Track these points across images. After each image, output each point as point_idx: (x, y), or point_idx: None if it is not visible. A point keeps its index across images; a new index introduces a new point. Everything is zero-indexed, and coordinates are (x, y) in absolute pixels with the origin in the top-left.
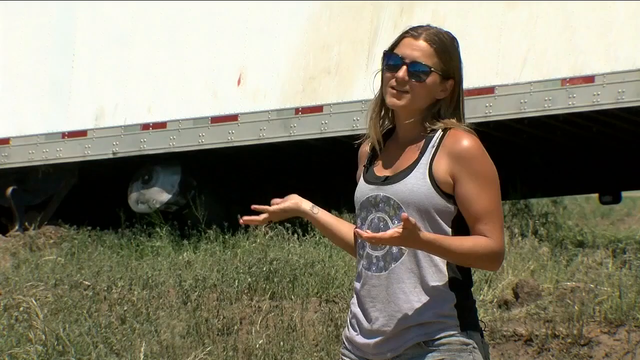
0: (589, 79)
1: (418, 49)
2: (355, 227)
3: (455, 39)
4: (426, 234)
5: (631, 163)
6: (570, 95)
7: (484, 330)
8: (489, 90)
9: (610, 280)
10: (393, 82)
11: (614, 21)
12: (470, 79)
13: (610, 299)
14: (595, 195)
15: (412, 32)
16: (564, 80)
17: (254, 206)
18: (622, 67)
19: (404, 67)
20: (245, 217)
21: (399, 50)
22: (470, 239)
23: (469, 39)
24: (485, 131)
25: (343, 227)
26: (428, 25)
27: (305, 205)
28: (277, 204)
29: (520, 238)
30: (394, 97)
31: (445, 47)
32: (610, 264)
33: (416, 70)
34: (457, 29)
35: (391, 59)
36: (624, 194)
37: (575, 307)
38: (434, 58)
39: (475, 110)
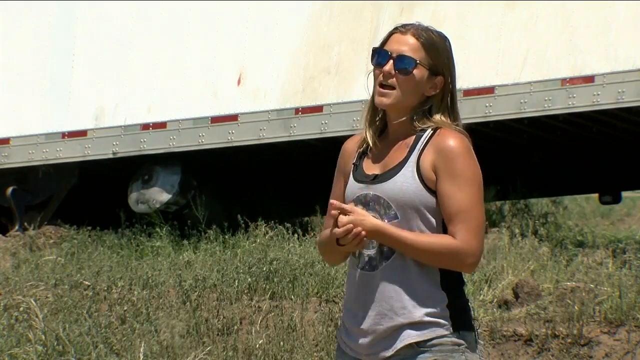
0: (589, 79)
1: (405, 44)
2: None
3: (446, 38)
4: (375, 220)
5: (631, 163)
6: (570, 95)
7: (479, 329)
8: (489, 90)
9: (610, 280)
10: (381, 77)
11: (614, 21)
12: (470, 79)
13: (610, 299)
14: (595, 195)
15: (401, 29)
16: (564, 80)
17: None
18: (622, 67)
19: (391, 61)
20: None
21: (387, 47)
22: (431, 235)
23: (469, 39)
24: (485, 131)
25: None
26: (419, 23)
27: None
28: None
29: (520, 238)
30: (381, 95)
31: (433, 42)
32: (610, 264)
33: (402, 63)
34: (457, 29)
35: (380, 55)
36: (624, 194)
37: (575, 307)
38: (421, 52)
39: (475, 110)
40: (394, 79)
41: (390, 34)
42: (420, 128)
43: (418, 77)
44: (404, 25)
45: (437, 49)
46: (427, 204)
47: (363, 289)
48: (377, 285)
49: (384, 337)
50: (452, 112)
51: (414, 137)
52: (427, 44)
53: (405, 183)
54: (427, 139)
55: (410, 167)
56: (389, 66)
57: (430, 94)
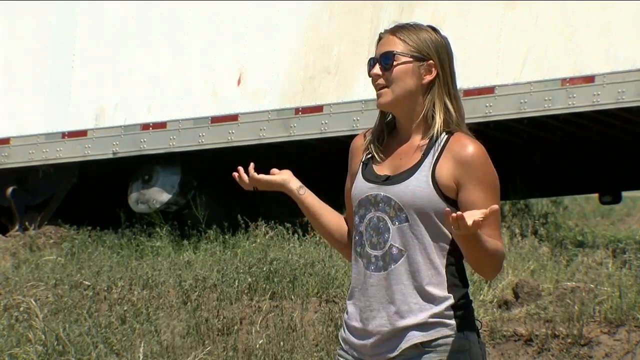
0: (589, 79)
1: (385, 44)
2: (356, 224)
3: (434, 28)
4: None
5: (631, 163)
6: (570, 95)
7: (481, 329)
8: (489, 90)
9: (610, 280)
10: (373, 81)
11: (614, 21)
12: (470, 79)
13: (610, 299)
14: (595, 195)
15: (381, 34)
16: (564, 80)
17: (239, 167)
18: (622, 67)
19: (377, 64)
20: (235, 173)
21: (375, 54)
22: (493, 240)
23: (469, 39)
24: (485, 131)
25: (327, 213)
26: (401, 23)
27: (293, 184)
28: (273, 174)
29: (520, 238)
30: (378, 98)
31: (411, 31)
32: (610, 264)
33: (384, 60)
34: (457, 29)
35: (369, 64)
36: (624, 194)
37: (575, 307)
38: (400, 44)
39: (475, 110)
40: (382, 78)
41: (376, 42)
42: (433, 131)
43: (402, 66)
44: (384, 30)
45: (417, 37)
46: (437, 210)
47: (370, 289)
48: (384, 286)
49: (389, 338)
50: (451, 93)
51: (428, 140)
52: (403, 35)
53: (418, 187)
54: (442, 143)
55: (424, 172)
56: (375, 69)
57: (427, 79)
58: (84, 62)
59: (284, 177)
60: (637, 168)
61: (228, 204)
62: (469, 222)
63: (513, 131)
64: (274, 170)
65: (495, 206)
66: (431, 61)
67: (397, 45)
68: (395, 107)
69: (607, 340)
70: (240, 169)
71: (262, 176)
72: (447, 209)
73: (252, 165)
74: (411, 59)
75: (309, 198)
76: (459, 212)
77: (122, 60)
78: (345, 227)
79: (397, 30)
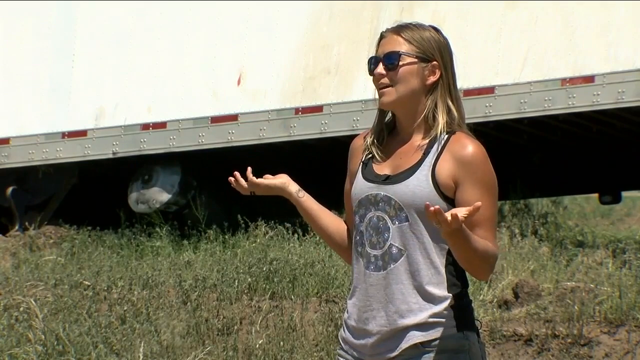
0: (589, 79)
1: (389, 43)
2: (356, 224)
3: (436, 28)
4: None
5: (631, 163)
6: (570, 95)
7: (480, 329)
8: (489, 90)
9: (610, 280)
10: (376, 80)
11: (614, 21)
12: (470, 79)
13: (610, 299)
14: (595, 195)
15: (384, 33)
16: (564, 80)
17: (236, 172)
18: (622, 67)
19: (380, 63)
20: (232, 178)
21: (377, 53)
22: (483, 241)
23: (469, 39)
24: (485, 131)
25: (326, 216)
26: (403, 22)
27: (292, 187)
28: (267, 179)
29: (520, 238)
30: (381, 97)
31: (415, 32)
32: (610, 264)
33: (388, 59)
34: (457, 29)
35: (371, 63)
36: (624, 194)
37: (575, 307)
38: (404, 44)
39: (475, 110)
40: (386, 77)
41: (378, 41)
42: (434, 131)
43: (407, 66)
44: (386, 29)
45: (421, 37)
46: None
47: (369, 289)
48: (383, 286)
49: (389, 338)
50: (453, 96)
51: (428, 140)
52: (408, 35)
53: (418, 186)
54: (442, 143)
55: (424, 171)
56: (379, 68)
57: (431, 80)
58: (84, 62)
59: (283, 181)
60: (637, 168)
61: (228, 204)
62: (448, 217)
63: (513, 131)
64: (267, 176)
65: (479, 203)
66: (435, 62)
67: (402, 45)
68: (398, 106)
69: (607, 340)
70: (237, 174)
71: (261, 180)
72: (427, 202)
73: (249, 169)
74: (416, 60)
75: (308, 201)
76: (436, 206)
77: (122, 60)
78: (345, 229)
79: (401, 29)
